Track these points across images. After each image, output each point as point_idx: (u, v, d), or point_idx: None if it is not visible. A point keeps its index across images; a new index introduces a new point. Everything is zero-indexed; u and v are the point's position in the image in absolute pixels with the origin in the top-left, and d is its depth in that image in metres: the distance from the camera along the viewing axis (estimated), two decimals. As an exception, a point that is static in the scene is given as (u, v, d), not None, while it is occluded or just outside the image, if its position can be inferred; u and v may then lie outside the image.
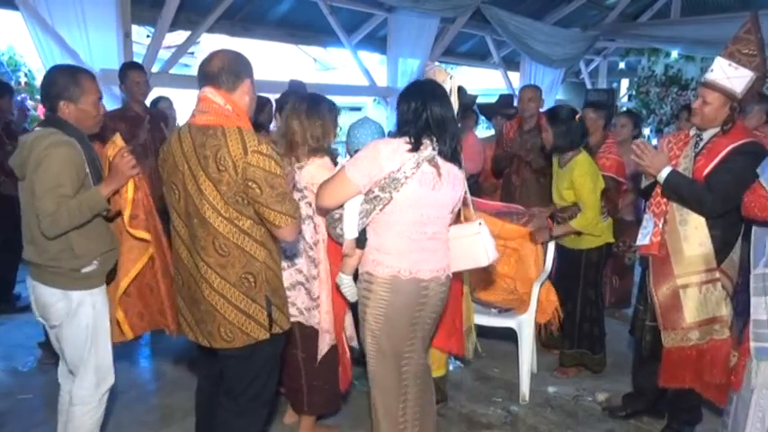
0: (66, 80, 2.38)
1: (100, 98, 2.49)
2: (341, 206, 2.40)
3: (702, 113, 2.71)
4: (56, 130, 2.35)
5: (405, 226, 2.30)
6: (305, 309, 2.79)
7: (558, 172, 3.58)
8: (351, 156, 2.70)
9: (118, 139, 2.47)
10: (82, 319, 2.42)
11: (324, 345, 2.82)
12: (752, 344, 2.47)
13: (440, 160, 2.29)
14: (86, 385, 2.48)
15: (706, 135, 2.76)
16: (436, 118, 2.29)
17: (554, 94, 9.57)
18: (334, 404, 3.05)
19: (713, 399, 2.79)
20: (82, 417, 2.48)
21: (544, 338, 3.90)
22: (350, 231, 2.41)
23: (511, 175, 4.51)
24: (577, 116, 3.48)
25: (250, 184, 2.07)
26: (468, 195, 2.55)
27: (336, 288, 2.67)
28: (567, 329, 3.71)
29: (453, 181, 2.35)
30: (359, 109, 15.71)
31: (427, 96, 2.32)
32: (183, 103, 6.89)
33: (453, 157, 2.34)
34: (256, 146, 2.07)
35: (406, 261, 2.31)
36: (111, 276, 2.54)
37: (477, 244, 2.45)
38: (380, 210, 2.28)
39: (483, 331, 3.99)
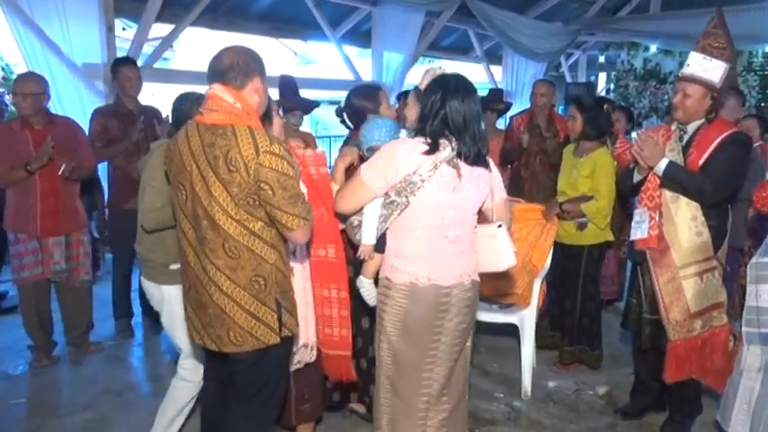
0: (193, 103, 2.49)
1: None
2: (359, 212, 2.33)
3: (684, 106, 2.80)
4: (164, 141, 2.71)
5: (424, 230, 2.21)
6: None
7: (575, 161, 3.60)
8: (362, 155, 2.63)
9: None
10: (173, 310, 2.73)
11: (296, 353, 2.66)
12: (744, 329, 2.56)
13: (460, 161, 2.18)
14: (187, 366, 2.82)
15: (690, 127, 2.85)
16: (456, 116, 2.15)
17: (536, 87, 9.61)
18: (319, 411, 2.97)
19: (713, 384, 2.88)
20: (181, 390, 2.83)
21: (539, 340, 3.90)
22: (368, 237, 2.36)
23: (520, 168, 4.54)
24: (605, 106, 3.55)
25: (262, 185, 2.01)
26: (497, 189, 2.39)
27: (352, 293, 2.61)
28: (567, 326, 3.75)
29: (477, 181, 2.24)
30: (338, 102, 15.63)
31: (448, 91, 2.17)
32: (165, 97, 6.78)
33: (477, 159, 2.21)
34: (268, 146, 2.01)
35: (424, 267, 2.21)
36: None
37: (493, 247, 2.33)
38: (398, 214, 2.21)
39: (479, 326, 4.01)
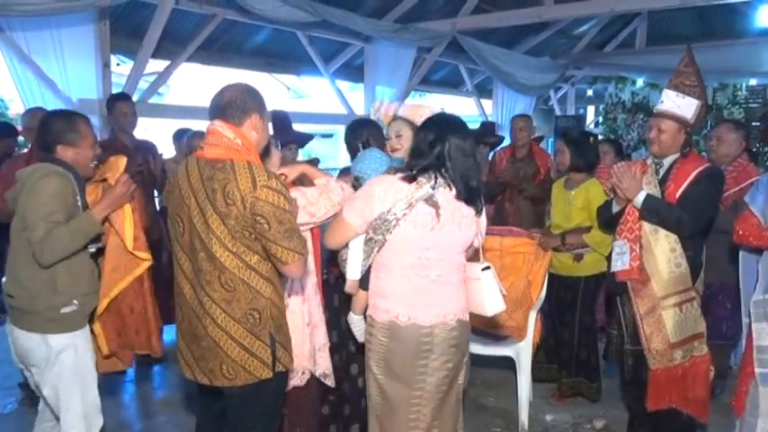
0: (63, 125, 2.44)
1: (95, 141, 2.55)
2: (347, 246, 2.34)
3: (660, 141, 2.89)
4: (48, 164, 2.42)
5: (403, 269, 2.19)
6: None
7: (566, 194, 3.65)
8: (354, 186, 2.65)
9: (121, 163, 2.53)
10: (64, 364, 2.39)
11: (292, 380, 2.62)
12: (757, 370, 2.54)
13: (441, 199, 2.15)
14: (78, 428, 2.44)
15: (666, 161, 2.93)
16: (449, 153, 2.15)
17: (526, 120, 9.73)
18: None
19: (695, 413, 2.88)
20: None
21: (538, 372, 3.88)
22: (352, 272, 2.35)
23: (504, 202, 4.60)
24: (591, 138, 3.63)
25: (258, 218, 2.04)
26: (481, 235, 2.36)
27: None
28: (565, 358, 3.74)
29: (461, 221, 2.20)
30: (330, 136, 15.74)
31: (444, 129, 2.19)
32: (160, 132, 6.83)
33: (469, 197, 2.19)
34: (266, 180, 2.05)
35: (404, 306, 2.18)
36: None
37: (478, 290, 2.30)
38: (377, 251, 2.20)
39: (474, 359, 3.99)
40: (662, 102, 2.91)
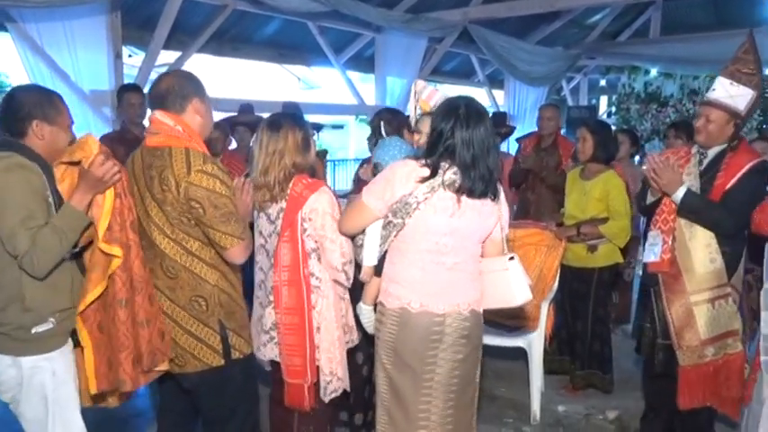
0: (39, 99, 2.08)
1: (71, 124, 2.21)
2: (363, 232, 2.29)
3: (707, 131, 2.75)
4: (11, 153, 2.01)
5: (419, 254, 2.14)
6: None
7: (582, 184, 3.61)
8: (374, 174, 2.62)
9: (92, 142, 2.02)
10: (38, 391, 2.05)
11: (329, 388, 2.41)
12: (762, 357, 2.52)
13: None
14: None
15: (711, 152, 2.80)
16: (463, 151, 2.06)
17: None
18: None
19: (729, 413, 2.81)
20: None
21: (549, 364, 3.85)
22: (368, 258, 2.29)
23: (527, 190, 4.60)
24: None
25: (193, 203, 2.05)
26: (504, 225, 2.29)
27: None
28: (578, 350, 3.73)
29: (481, 209, 2.14)
30: (341, 127, 15.77)
31: (457, 120, 2.08)
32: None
33: (482, 194, 2.12)
34: (201, 165, 2.06)
35: (417, 293, 2.14)
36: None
37: (505, 282, 2.23)
38: (395, 236, 2.16)
39: (486, 350, 3.98)
40: (713, 89, 2.74)
